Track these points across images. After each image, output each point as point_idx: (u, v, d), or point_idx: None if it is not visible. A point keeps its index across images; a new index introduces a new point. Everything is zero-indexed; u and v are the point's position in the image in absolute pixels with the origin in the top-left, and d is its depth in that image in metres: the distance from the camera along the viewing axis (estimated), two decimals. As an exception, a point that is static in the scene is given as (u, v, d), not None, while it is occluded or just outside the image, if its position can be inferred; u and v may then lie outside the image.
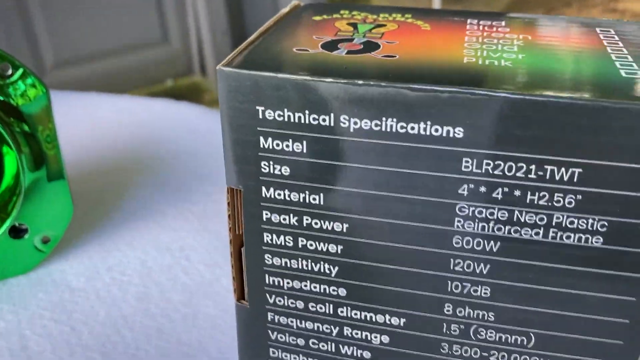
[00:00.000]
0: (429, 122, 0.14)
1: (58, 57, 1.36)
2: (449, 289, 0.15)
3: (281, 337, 0.18)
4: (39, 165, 0.24)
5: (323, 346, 0.17)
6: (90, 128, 0.37)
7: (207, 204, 0.29)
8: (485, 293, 0.15)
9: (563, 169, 0.13)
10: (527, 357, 0.16)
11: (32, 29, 1.30)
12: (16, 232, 0.24)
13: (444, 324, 0.16)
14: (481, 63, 0.14)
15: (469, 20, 0.18)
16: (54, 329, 0.22)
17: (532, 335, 0.15)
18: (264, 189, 0.15)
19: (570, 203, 0.14)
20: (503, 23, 0.18)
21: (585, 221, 0.14)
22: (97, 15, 1.51)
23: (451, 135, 0.14)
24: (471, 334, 0.16)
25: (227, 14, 1.66)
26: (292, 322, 0.17)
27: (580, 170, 0.13)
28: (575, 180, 0.13)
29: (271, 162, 0.15)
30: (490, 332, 0.16)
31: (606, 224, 0.14)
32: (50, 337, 0.21)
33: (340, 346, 0.17)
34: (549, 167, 0.13)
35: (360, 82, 0.14)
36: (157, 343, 0.21)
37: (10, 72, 0.23)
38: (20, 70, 0.23)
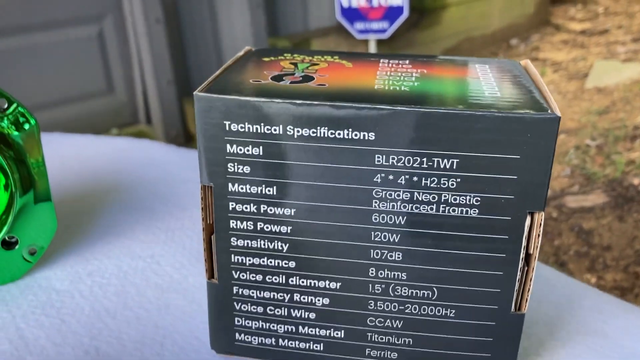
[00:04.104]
0: (350, 129, 0.19)
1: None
2: (372, 256, 0.20)
3: (244, 307, 0.22)
4: (27, 188, 0.28)
5: (278, 311, 0.22)
6: (59, 161, 0.41)
7: (170, 221, 0.33)
8: (398, 257, 0.20)
9: (446, 160, 0.19)
10: (433, 308, 0.21)
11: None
12: (8, 245, 0.28)
13: (369, 284, 0.21)
14: (387, 89, 0.20)
15: (381, 60, 0.23)
16: (46, 321, 0.25)
17: (435, 289, 0.21)
18: (230, 184, 0.20)
19: (452, 184, 0.19)
20: (407, 62, 0.23)
21: (464, 198, 0.19)
22: (42, 66, 1.53)
23: (366, 138, 0.19)
24: (390, 291, 0.21)
25: (171, 63, 1.71)
26: (253, 293, 0.22)
27: (458, 160, 0.19)
28: (455, 167, 0.19)
29: (235, 163, 0.20)
30: (405, 289, 0.21)
31: (479, 199, 0.19)
32: (43, 327, 0.25)
33: (291, 310, 0.22)
34: (435, 159, 0.19)
35: (300, 102, 0.19)
36: (136, 327, 0.25)
37: (6, 106, 0.27)
38: (15, 104, 0.27)
